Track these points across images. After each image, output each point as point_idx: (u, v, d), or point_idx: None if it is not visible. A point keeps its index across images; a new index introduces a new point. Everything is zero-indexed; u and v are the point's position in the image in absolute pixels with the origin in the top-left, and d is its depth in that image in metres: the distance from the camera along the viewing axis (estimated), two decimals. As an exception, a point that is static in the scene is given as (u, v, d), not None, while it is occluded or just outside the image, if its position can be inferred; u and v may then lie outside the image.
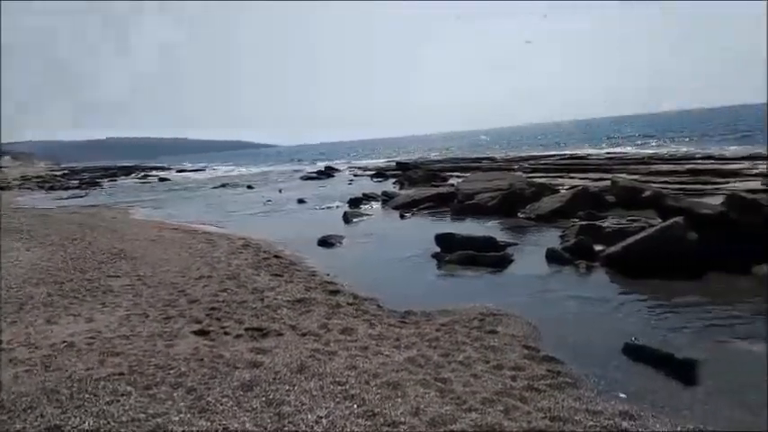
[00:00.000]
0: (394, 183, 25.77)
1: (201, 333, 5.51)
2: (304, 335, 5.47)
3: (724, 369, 4.47)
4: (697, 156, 23.66)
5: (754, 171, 16.77)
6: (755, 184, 14.30)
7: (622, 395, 4.07)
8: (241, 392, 4.01)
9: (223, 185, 33.52)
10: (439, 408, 3.75)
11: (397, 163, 35.05)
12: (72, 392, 4.05)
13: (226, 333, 5.50)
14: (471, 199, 14.78)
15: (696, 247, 7.60)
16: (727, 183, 15.09)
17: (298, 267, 8.98)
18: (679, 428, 3.52)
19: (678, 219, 7.84)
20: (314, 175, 36.59)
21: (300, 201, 20.42)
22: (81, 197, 31.33)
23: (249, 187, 30.53)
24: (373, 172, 34.33)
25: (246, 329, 5.60)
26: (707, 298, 6.30)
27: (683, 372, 4.40)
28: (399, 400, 3.89)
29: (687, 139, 40.27)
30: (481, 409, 3.75)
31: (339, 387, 4.11)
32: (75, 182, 48.03)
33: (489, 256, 8.70)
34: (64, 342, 5.23)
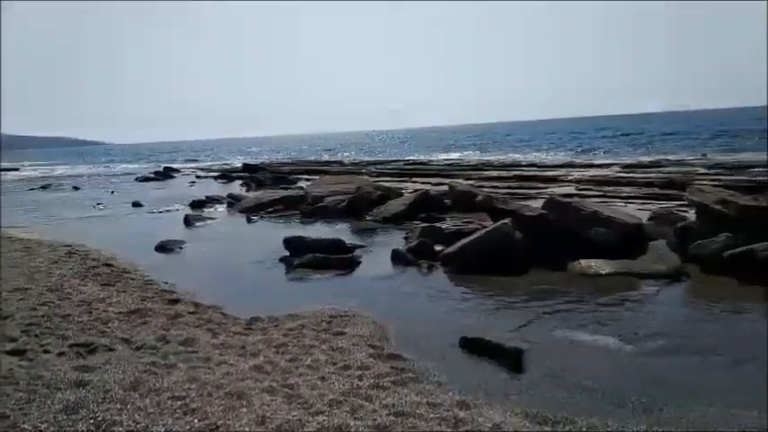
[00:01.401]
0: (240, 185, 25.03)
1: (16, 353, 4.84)
2: (139, 348, 5.07)
3: (546, 355, 4.95)
4: (522, 163, 26.11)
5: (570, 177, 18.94)
6: (571, 189, 16.18)
7: (459, 386, 4.33)
8: (64, 416, 3.59)
9: (44, 187, 29.97)
10: (286, 414, 3.69)
11: (244, 165, 34.07)
12: None
13: (46, 351, 4.90)
14: (320, 202, 14.85)
15: (522, 245, 8.37)
16: (547, 188, 16.84)
17: (132, 276, 8.32)
18: (509, 413, 3.82)
19: (506, 220, 8.58)
20: (151, 175, 34.19)
21: (136, 204, 18.93)
22: None
23: (75, 189, 27.71)
24: (218, 173, 33.03)
25: (71, 346, 5.04)
26: (531, 291, 6.97)
27: (512, 360, 4.81)
28: (244, 410, 3.76)
29: (558, 147, 42.50)
30: (328, 411, 3.76)
31: (178, 402, 3.86)
32: None
33: (338, 259, 8.79)
34: None
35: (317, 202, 15.01)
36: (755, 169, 18.21)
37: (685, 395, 4.14)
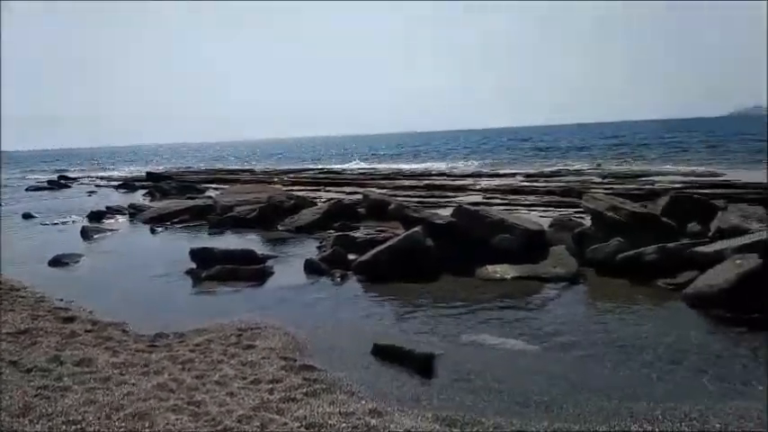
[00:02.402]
0: (144, 194, 23.84)
1: None
2: (29, 371, 4.68)
3: (455, 360, 5.08)
4: (433, 172, 26.81)
5: (477, 186, 19.65)
6: (478, 198, 16.79)
7: (371, 394, 4.35)
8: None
9: None
10: (192, 433, 3.54)
11: (148, 173, 32.50)
12: None
13: None
14: (230, 211, 14.45)
15: (433, 252, 8.57)
16: (457, 196, 17.38)
17: (21, 293, 7.68)
18: (420, 418, 3.89)
19: (418, 228, 8.76)
20: (44, 184, 31.82)
21: (27, 215, 17.51)
22: None
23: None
24: (119, 183, 31.29)
25: (-53, 373, 4.57)
26: (441, 297, 7.14)
27: (423, 366, 4.90)
28: (147, 431, 3.57)
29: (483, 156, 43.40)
30: (237, 427, 3.65)
31: (73, 426, 3.61)
32: None
33: (248, 270, 8.58)
34: None
35: (226, 211, 14.59)
36: (643, 178, 19.78)
37: (584, 391, 4.40)
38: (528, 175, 22.96)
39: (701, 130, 67.12)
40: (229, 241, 11.67)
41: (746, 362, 4.89)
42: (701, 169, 22.83)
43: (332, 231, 11.66)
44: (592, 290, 7.44)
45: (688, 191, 13.04)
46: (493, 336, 5.71)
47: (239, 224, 13.55)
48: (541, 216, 12.26)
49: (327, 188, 22.05)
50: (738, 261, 6.47)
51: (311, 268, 8.71)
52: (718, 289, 6.23)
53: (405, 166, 33.70)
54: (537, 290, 7.38)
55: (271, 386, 4.40)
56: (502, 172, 25.73)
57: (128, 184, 29.35)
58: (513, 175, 23.81)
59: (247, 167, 39.92)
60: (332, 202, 14.54)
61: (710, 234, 8.18)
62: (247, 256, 9.25)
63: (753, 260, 6.35)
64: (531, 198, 16.19)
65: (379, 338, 5.43)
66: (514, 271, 7.98)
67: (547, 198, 15.96)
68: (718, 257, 6.94)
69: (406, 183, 21.84)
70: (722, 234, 7.90)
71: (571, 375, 4.71)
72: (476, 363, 5.02)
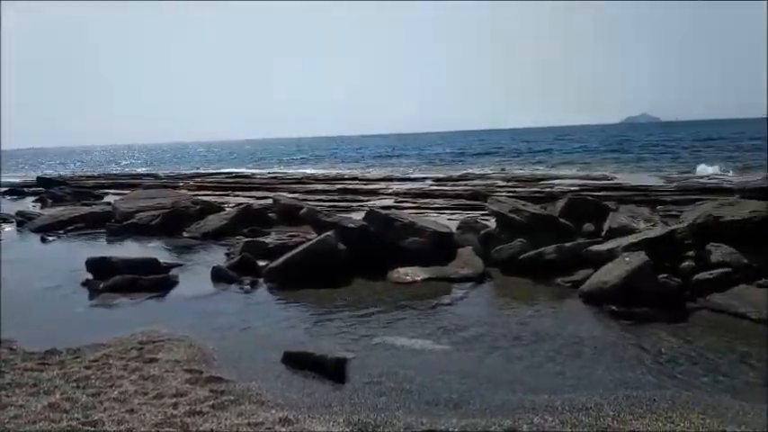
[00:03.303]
0: (34, 201, 22.06)
1: None
2: None
3: (368, 363, 5.10)
4: (346, 177, 26.85)
5: (389, 190, 19.90)
6: (390, 201, 17.01)
7: (282, 402, 4.27)
8: None
9: None
10: (87, 456, 3.31)
11: (38, 178, 30.11)
12: None
13: None
14: (131, 218, 13.67)
15: (345, 256, 8.57)
16: (369, 200, 17.51)
17: None
18: (331, 423, 3.86)
19: (330, 233, 8.72)
20: None
21: None
22: None
23: None
24: (6, 188, 28.77)
25: None
26: (354, 302, 7.15)
27: (335, 371, 4.87)
28: (35, 457, 3.30)
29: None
30: (138, 446, 3.45)
31: (-53, 459, 3.26)
32: None
33: (151, 280, 8.15)
34: None
35: (126, 218, 13.80)
36: (544, 182, 20.87)
37: (490, 386, 4.56)
38: (437, 180, 23.56)
39: (596, 136, 72.05)
40: (130, 249, 11.06)
41: (636, 352, 5.28)
42: (595, 173, 24.44)
43: (241, 237, 11.37)
44: (497, 289, 7.75)
45: (583, 193, 13.92)
46: (404, 337, 5.79)
47: (141, 231, 12.86)
48: (450, 219, 12.59)
49: (236, 193, 21.46)
50: (627, 258, 6.97)
51: (219, 276, 8.43)
52: (610, 285, 6.68)
53: (318, 171, 33.49)
54: (446, 290, 7.57)
55: (175, 400, 4.21)
56: (413, 176, 26.24)
57: (16, 191, 27.03)
58: (423, 179, 24.37)
59: (152, 172, 38.08)
60: (241, 206, 14.16)
61: (603, 234, 8.75)
62: (150, 265, 8.78)
63: (640, 257, 6.86)
64: (440, 201, 16.62)
65: (290, 346, 5.35)
66: (424, 273, 8.15)
67: (455, 201, 16.45)
68: (609, 256, 7.45)
69: (319, 187, 21.74)
70: (613, 233, 8.49)
71: (479, 371, 4.87)
72: (388, 364, 5.07)
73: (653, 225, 8.53)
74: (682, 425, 3.79)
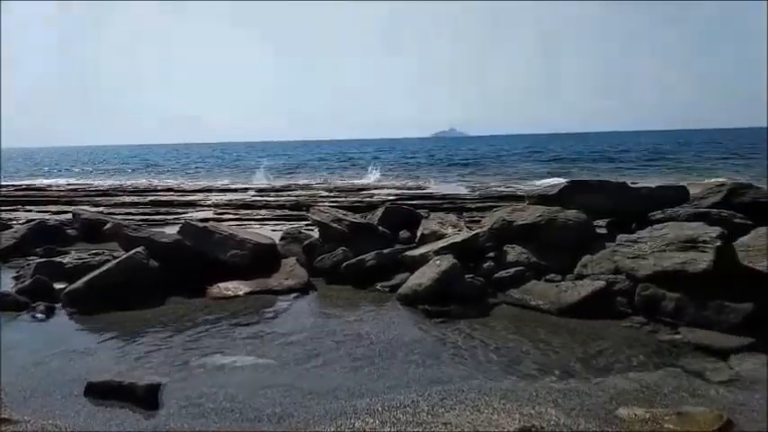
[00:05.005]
0: None
1: None
2: None
3: (184, 385, 4.81)
4: (159, 188, 25.14)
5: (208, 202, 19.07)
6: (209, 213, 16.30)
7: (85, 440, 3.84)
8: None
9: None
10: None
11: None
12: None
13: None
14: None
15: (158, 274, 8.00)
16: (186, 212, 16.60)
17: None
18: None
19: (140, 249, 8.07)
20: None
21: None
22: None
23: None
24: None
25: None
26: (169, 322, 6.70)
27: (147, 397, 4.51)
28: None
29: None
30: None
31: None
32: None
33: None
34: None
35: None
36: (364, 192, 21.65)
37: (314, 396, 4.57)
38: (259, 190, 23.17)
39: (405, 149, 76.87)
40: None
41: (448, 348, 5.70)
42: (410, 183, 26.01)
43: (34, 258, 10.01)
44: (321, 298, 7.83)
45: (399, 202, 14.73)
46: (225, 355, 5.57)
47: None
48: (273, 230, 12.45)
49: (27, 207, 18.88)
50: (438, 262, 7.51)
51: (6, 303, 7.31)
52: (423, 287, 7.14)
53: (127, 182, 30.84)
54: (270, 303, 7.45)
55: (-56, 455, 3.56)
56: (233, 186, 25.47)
57: None
58: (245, 189, 23.79)
59: None
60: (33, 223, 12.47)
61: (417, 239, 9.34)
62: None
63: (449, 260, 7.44)
64: (263, 212, 16.36)
65: (94, 376, 4.83)
66: (247, 286, 7.94)
67: (278, 212, 16.31)
68: (422, 260, 7.96)
69: (127, 199, 20.05)
70: (425, 239, 9.10)
71: (302, 383, 4.86)
72: (207, 385, 4.83)
73: (459, 230, 9.30)
74: (486, 412, 4.17)
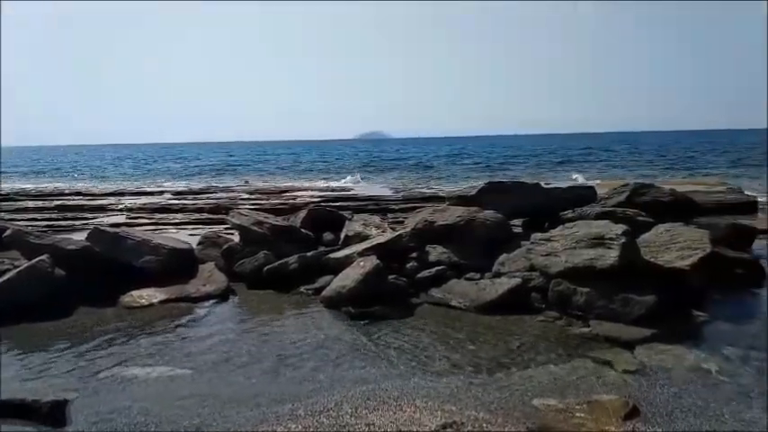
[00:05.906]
0: None
1: None
2: None
3: (95, 400, 4.56)
4: (66, 192, 23.65)
5: (120, 206, 18.12)
6: (122, 218, 15.49)
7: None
8: None
9: None
10: None
11: None
12: None
13: None
14: None
15: (65, 283, 7.51)
16: (96, 217, 15.69)
17: None
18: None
19: (44, 257, 7.55)
20: None
21: None
22: None
23: None
24: None
25: None
26: (78, 334, 6.32)
27: (52, 415, 4.23)
28: None
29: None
30: None
31: None
32: None
33: None
34: None
35: None
36: (286, 194, 21.35)
37: (234, 405, 4.45)
38: (177, 193, 22.31)
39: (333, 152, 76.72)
40: None
41: (371, 348, 5.71)
42: (335, 185, 25.91)
43: None
44: (241, 304, 7.63)
45: (323, 204, 14.63)
46: (139, 366, 5.32)
47: None
48: (191, 234, 12.00)
49: None
50: (362, 263, 7.53)
51: None
52: (347, 289, 7.12)
53: (29, 186, 28.78)
54: (187, 311, 7.18)
55: None
56: (148, 190, 24.38)
57: None
58: (161, 192, 22.82)
59: None
60: None
61: (341, 241, 9.31)
62: None
63: (372, 261, 7.47)
64: (180, 216, 15.74)
65: (-11, 395, 4.47)
66: (162, 294, 7.61)
67: (196, 216, 15.75)
68: (347, 261, 7.95)
69: (31, 204, 18.69)
70: (349, 241, 9.09)
71: (222, 392, 4.72)
72: (119, 399, 4.59)
73: (383, 231, 9.36)
74: (409, 410, 4.22)
